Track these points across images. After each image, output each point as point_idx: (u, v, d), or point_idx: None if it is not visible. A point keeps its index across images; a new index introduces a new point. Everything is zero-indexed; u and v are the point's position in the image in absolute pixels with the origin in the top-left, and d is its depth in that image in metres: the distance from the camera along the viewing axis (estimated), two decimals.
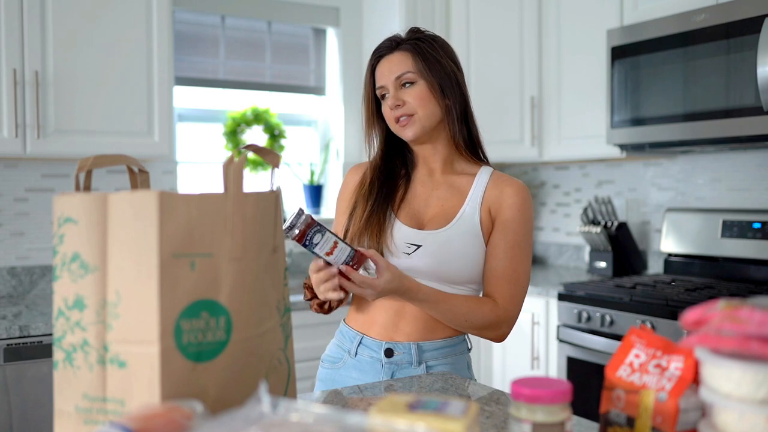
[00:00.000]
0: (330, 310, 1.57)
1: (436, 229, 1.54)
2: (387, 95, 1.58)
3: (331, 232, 1.37)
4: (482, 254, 1.55)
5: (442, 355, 1.55)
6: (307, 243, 1.35)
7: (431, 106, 1.55)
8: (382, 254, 1.52)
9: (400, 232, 1.55)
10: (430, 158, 1.63)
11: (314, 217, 1.45)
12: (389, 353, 1.54)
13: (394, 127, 1.59)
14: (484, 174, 1.60)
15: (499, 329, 1.55)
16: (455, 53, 1.62)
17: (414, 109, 1.55)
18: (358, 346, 1.57)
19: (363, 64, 3.68)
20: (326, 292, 1.41)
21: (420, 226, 1.57)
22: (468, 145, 1.62)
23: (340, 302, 1.55)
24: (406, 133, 1.57)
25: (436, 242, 1.52)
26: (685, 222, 3.04)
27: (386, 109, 1.58)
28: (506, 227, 1.54)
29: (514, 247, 1.53)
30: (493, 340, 1.59)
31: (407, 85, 1.56)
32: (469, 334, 1.64)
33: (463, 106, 1.59)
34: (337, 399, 1.31)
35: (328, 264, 1.39)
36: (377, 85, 1.59)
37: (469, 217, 1.55)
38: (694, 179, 3.14)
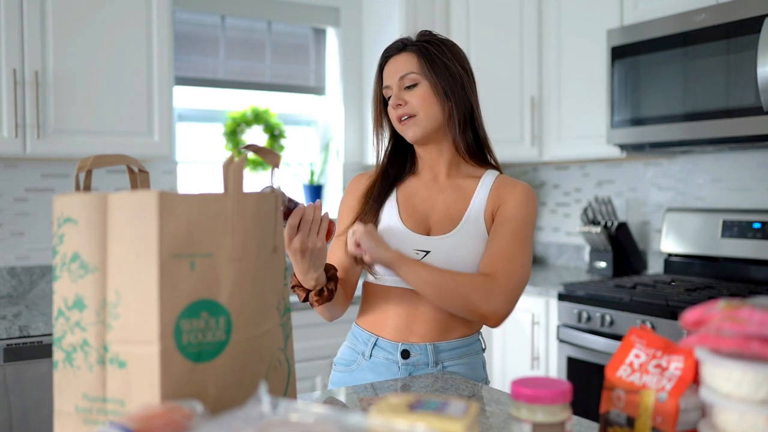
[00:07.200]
0: (331, 294, 1.47)
1: (443, 234, 1.54)
2: (392, 95, 1.60)
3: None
4: None
5: (458, 356, 1.54)
6: (292, 207, 1.40)
7: (434, 108, 1.55)
8: None
9: (409, 238, 1.54)
10: (435, 161, 1.62)
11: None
12: (406, 354, 1.52)
13: (398, 127, 1.60)
14: (489, 177, 1.59)
15: (489, 302, 1.44)
16: (467, 59, 1.62)
17: (416, 109, 1.55)
18: (373, 347, 1.56)
19: (363, 64, 3.68)
20: (313, 239, 1.39)
21: (426, 231, 1.57)
22: (473, 149, 1.61)
23: (335, 284, 1.49)
24: (407, 133, 1.58)
25: (444, 247, 1.52)
26: (685, 222, 3.04)
27: (390, 108, 1.60)
28: (507, 218, 1.52)
29: (516, 232, 1.50)
30: (487, 320, 1.49)
31: (411, 86, 1.56)
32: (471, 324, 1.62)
33: (469, 110, 1.59)
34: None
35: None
36: (384, 84, 1.60)
37: (475, 219, 1.54)
38: (694, 179, 3.14)
